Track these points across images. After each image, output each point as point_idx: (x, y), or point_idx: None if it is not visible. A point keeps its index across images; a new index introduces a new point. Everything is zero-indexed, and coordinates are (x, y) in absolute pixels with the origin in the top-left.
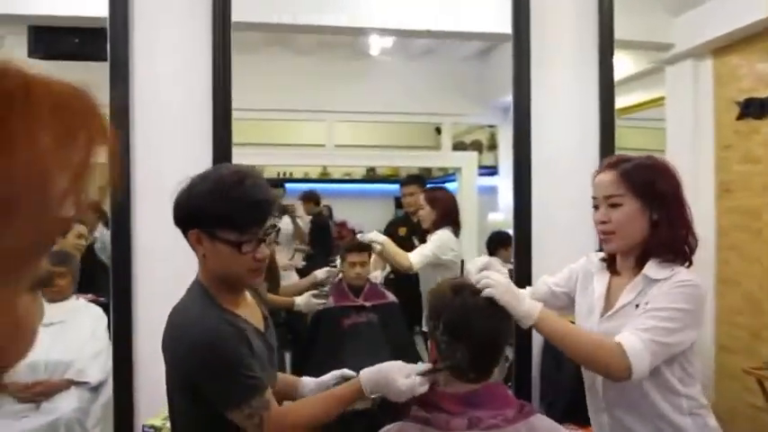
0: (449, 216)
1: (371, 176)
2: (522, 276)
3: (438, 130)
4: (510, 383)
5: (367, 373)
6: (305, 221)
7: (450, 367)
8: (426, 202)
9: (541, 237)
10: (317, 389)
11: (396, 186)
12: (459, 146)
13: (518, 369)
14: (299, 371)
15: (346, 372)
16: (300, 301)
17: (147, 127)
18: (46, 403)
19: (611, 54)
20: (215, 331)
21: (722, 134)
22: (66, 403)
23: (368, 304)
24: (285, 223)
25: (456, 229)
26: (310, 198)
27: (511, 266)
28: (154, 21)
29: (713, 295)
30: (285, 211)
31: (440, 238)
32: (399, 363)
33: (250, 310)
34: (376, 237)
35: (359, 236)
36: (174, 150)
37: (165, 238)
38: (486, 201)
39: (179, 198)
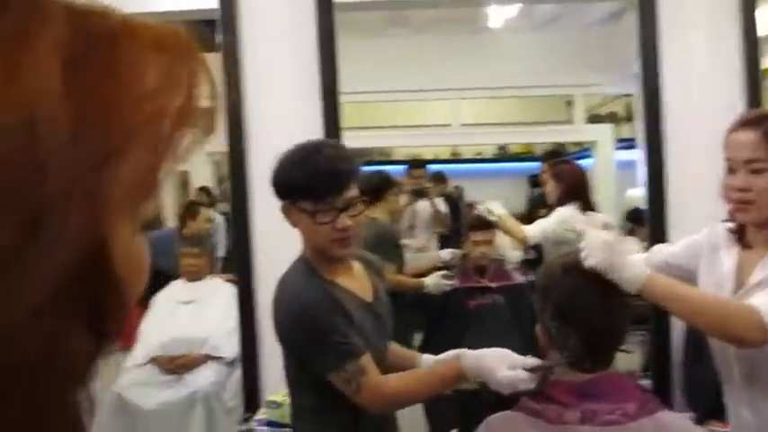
0: (575, 191)
1: (503, 155)
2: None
3: (569, 104)
4: (646, 373)
5: (469, 357)
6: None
7: (562, 364)
8: (551, 177)
9: (678, 214)
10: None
11: (529, 164)
12: (594, 119)
13: (655, 357)
14: (425, 351)
15: (466, 352)
16: (429, 281)
17: (260, 119)
18: (187, 375)
19: (753, 7)
20: (307, 300)
21: None
22: (203, 377)
23: (493, 285)
24: (423, 207)
25: (584, 205)
26: (438, 179)
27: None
28: (260, 7)
29: None
30: (422, 194)
31: (562, 214)
32: (505, 351)
33: (354, 281)
34: (494, 207)
35: (477, 207)
36: (286, 137)
37: (281, 217)
38: (625, 176)
39: (273, 174)
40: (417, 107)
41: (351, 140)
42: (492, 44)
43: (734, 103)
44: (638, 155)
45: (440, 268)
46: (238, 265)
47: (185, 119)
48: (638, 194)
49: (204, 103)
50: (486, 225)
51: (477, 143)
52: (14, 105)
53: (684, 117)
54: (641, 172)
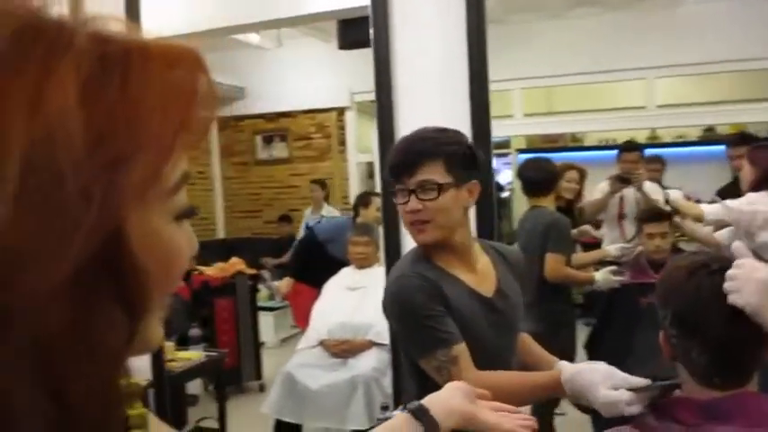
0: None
1: (709, 137)
2: None
3: None
4: None
5: (569, 370)
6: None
7: (673, 387)
8: (747, 161)
9: None
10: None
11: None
12: None
13: None
14: (590, 353)
15: (566, 365)
16: (599, 276)
17: (411, 111)
18: (351, 360)
19: None
20: (406, 283)
21: None
22: (366, 362)
23: None
24: (630, 194)
25: None
26: (654, 161)
27: None
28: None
29: None
30: (627, 180)
31: (748, 197)
32: (609, 368)
33: (475, 273)
34: (675, 196)
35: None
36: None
37: None
38: None
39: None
40: (609, 89)
41: (535, 127)
42: (688, 17)
43: None
44: None
45: (609, 263)
46: (385, 250)
47: (189, 127)
48: None
49: (207, 112)
50: (661, 216)
51: (674, 125)
52: (40, 122)
53: None
54: None
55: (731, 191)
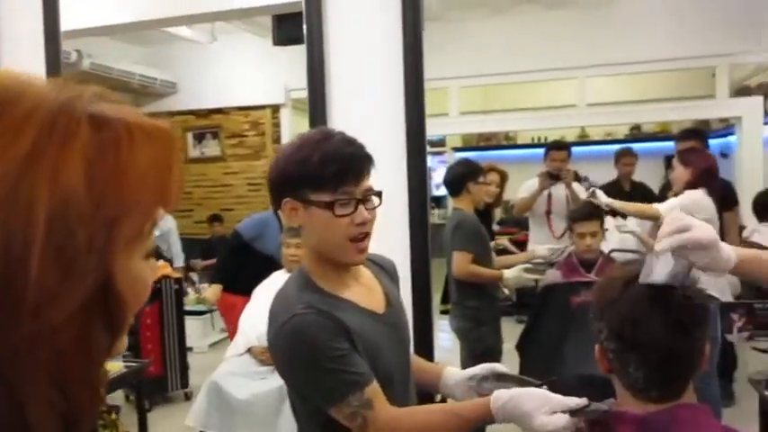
0: (704, 177)
1: (636, 135)
2: None
3: (713, 76)
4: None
5: (501, 399)
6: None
7: (608, 412)
8: (680, 162)
9: None
10: (462, 382)
11: (665, 144)
12: (742, 91)
13: None
14: (520, 353)
15: (498, 367)
16: (509, 274)
17: (344, 111)
18: None
19: None
20: (302, 321)
21: None
22: None
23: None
24: (559, 191)
25: (712, 192)
26: None
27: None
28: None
29: None
30: (557, 177)
31: (688, 196)
32: (543, 392)
33: (364, 291)
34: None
35: (588, 191)
36: (370, 126)
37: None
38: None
39: (269, 171)
40: (542, 87)
41: (471, 126)
42: (620, 17)
43: None
44: None
45: (538, 263)
46: None
47: (166, 192)
48: None
49: (178, 176)
50: (591, 215)
51: (606, 123)
52: (58, 194)
53: None
54: None
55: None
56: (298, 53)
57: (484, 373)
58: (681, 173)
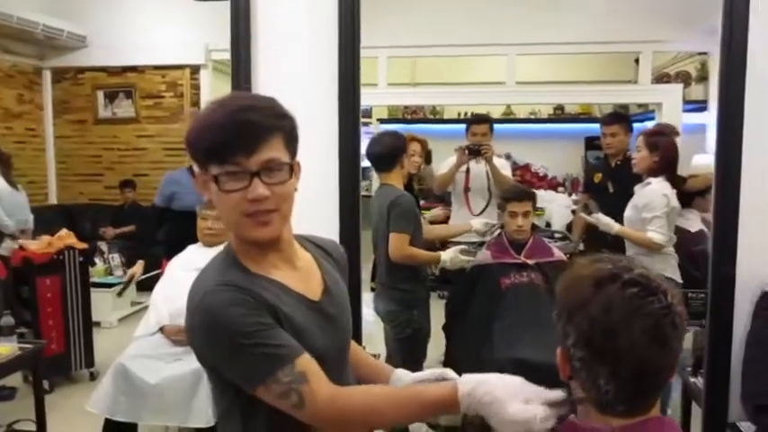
0: (669, 165)
1: (559, 115)
2: (725, 241)
3: (637, 62)
4: (698, 371)
5: (469, 383)
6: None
7: (582, 401)
8: (645, 145)
9: (754, 187)
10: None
11: (587, 126)
12: (662, 78)
13: (711, 358)
14: (448, 334)
15: (448, 373)
16: (446, 256)
17: (271, 69)
18: None
19: None
20: (219, 297)
21: None
22: None
23: (531, 262)
24: (478, 168)
25: (673, 178)
26: None
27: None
28: None
29: None
30: (476, 152)
31: (657, 192)
32: (518, 379)
33: (297, 275)
34: (606, 220)
35: (592, 218)
36: (297, 91)
37: None
38: (693, 141)
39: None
40: (472, 63)
41: (398, 98)
42: None
43: None
44: (708, 118)
45: (472, 243)
46: None
47: None
48: (705, 161)
49: None
50: (525, 195)
51: (532, 102)
52: None
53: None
54: (711, 137)
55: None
56: (220, 10)
57: (434, 377)
58: (645, 156)
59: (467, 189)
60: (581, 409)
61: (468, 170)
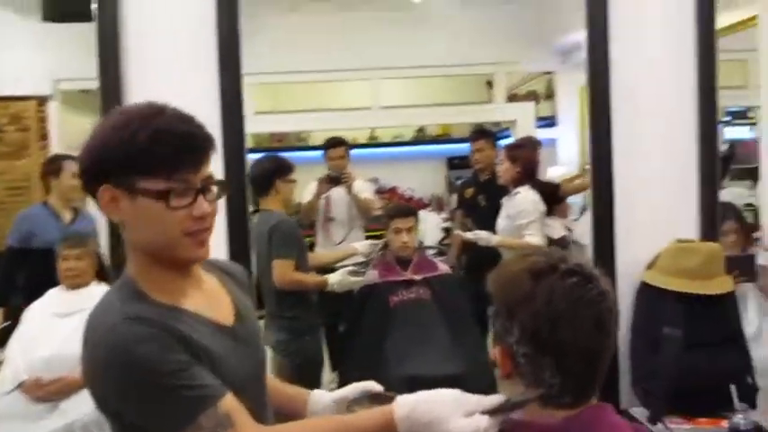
0: (530, 173)
1: (421, 137)
2: (603, 236)
3: (489, 84)
4: None
5: (407, 405)
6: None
7: (527, 402)
8: (507, 158)
9: (625, 191)
10: (334, 406)
11: (447, 147)
12: (513, 98)
13: None
14: (338, 359)
15: (373, 386)
16: (334, 279)
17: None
18: (65, 402)
19: None
20: (128, 335)
21: None
22: (84, 403)
23: (418, 278)
24: (339, 195)
25: (534, 184)
26: None
27: (567, 223)
28: None
29: None
30: (337, 180)
31: (528, 199)
32: (456, 394)
33: (208, 301)
34: (485, 235)
35: (470, 236)
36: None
37: None
38: (546, 155)
39: (81, 151)
40: (336, 88)
41: (263, 125)
42: (414, 22)
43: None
44: (558, 133)
45: (358, 264)
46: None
47: None
48: (559, 172)
49: None
50: (409, 212)
51: (396, 125)
52: None
53: (629, 88)
54: (562, 150)
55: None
56: (71, 35)
57: (356, 394)
58: (508, 168)
59: (327, 218)
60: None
61: (327, 198)
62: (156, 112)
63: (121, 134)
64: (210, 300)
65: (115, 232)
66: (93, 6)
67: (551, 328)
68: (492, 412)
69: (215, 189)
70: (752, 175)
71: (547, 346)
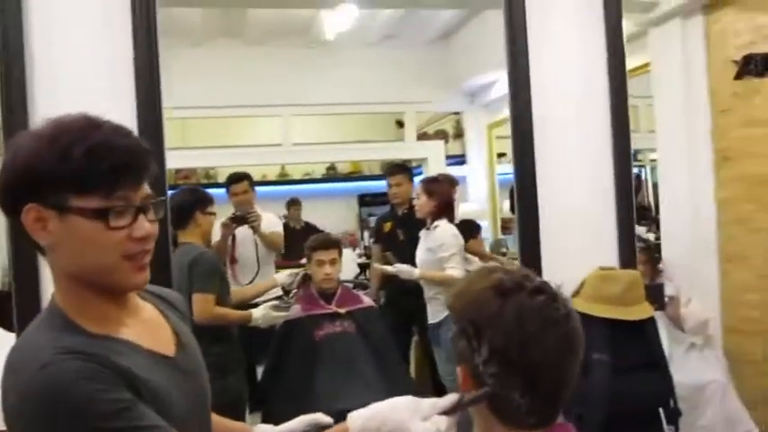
0: (446, 207)
1: (332, 175)
2: (530, 266)
3: (399, 123)
4: None
5: (360, 417)
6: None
7: (489, 396)
8: (424, 192)
9: (549, 225)
10: None
11: (359, 184)
12: (422, 137)
13: None
14: (261, 397)
15: (320, 417)
16: (258, 314)
17: None
18: None
19: (619, 14)
20: (61, 371)
21: (718, 98)
22: None
23: (342, 311)
24: (245, 235)
25: (452, 218)
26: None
27: (477, 259)
28: None
29: (717, 275)
30: (243, 220)
31: (448, 233)
32: (408, 400)
33: (146, 329)
34: (406, 269)
35: (392, 269)
36: None
37: None
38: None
39: (2, 168)
40: (246, 124)
41: (170, 160)
42: (325, 59)
43: (602, 112)
44: (468, 170)
45: (278, 297)
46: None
47: None
48: (470, 208)
49: None
50: (331, 244)
51: (307, 161)
52: None
53: (550, 123)
54: (472, 186)
55: (386, 219)
56: None
57: (303, 427)
58: (425, 202)
59: (233, 259)
60: (481, 424)
61: (233, 239)
62: (91, 125)
63: (53, 148)
64: (149, 329)
65: (20, 258)
66: None
67: (522, 347)
68: (448, 412)
69: (152, 208)
70: (642, 215)
71: (517, 365)
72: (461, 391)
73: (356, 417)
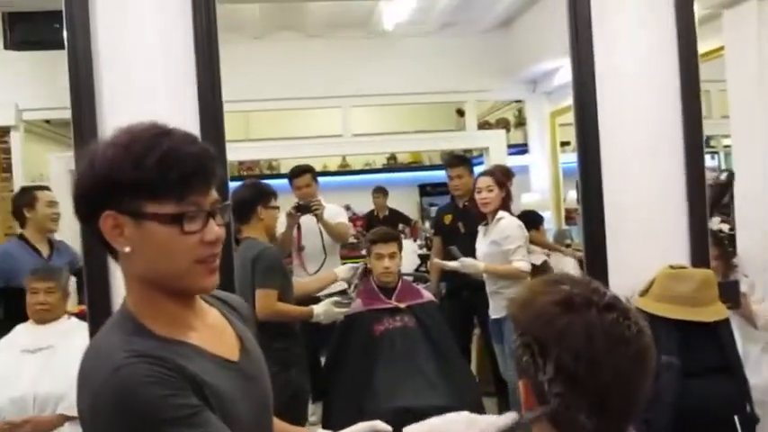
0: (509, 196)
1: (393, 165)
2: (595, 264)
3: (459, 112)
4: None
5: None
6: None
7: (553, 414)
8: (495, 183)
9: (616, 219)
10: None
11: (419, 174)
12: (484, 126)
13: None
14: (322, 391)
15: (378, 425)
16: (319, 309)
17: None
18: None
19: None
20: (132, 376)
21: None
22: None
23: (402, 305)
24: (310, 224)
25: (510, 210)
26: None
27: (544, 251)
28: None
29: None
30: (306, 209)
31: (513, 224)
32: (465, 416)
33: (212, 334)
34: (471, 262)
35: (457, 264)
36: None
37: None
38: (518, 181)
39: (79, 176)
40: (306, 116)
41: (232, 153)
42: (384, 49)
43: (672, 101)
44: (530, 159)
45: (341, 291)
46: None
47: None
48: (532, 198)
49: None
50: (390, 237)
51: (367, 152)
52: None
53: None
54: (534, 176)
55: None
56: (34, 65)
57: None
58: (497, 194)
59: (299, 248)
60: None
61: (299, 227)
62: (162, 133)
63: (128, 157)
64: (214, 333)
65: (93, 264)
66: (65, 35)
67: (590, 368)
68: (507, 431)
69: (221, 213)
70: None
71: (585, 386)
72: (522, 409)
73: (410, 430)
